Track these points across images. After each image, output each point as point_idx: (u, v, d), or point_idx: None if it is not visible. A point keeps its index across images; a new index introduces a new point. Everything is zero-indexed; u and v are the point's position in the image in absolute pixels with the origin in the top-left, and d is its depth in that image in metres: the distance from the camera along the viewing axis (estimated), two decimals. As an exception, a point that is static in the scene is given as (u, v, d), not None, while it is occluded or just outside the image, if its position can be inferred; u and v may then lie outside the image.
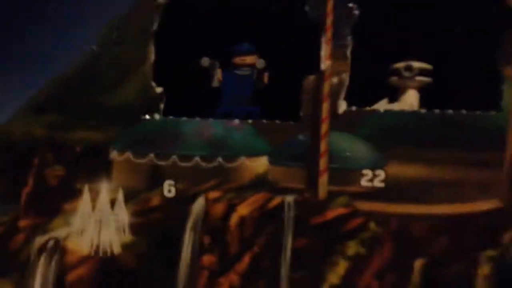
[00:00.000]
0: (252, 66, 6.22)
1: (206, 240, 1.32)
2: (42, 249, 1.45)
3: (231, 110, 5.95)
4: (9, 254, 1.63)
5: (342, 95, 4.84)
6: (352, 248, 1.66)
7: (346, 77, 5.06)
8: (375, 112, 4.79)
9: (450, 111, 4.59)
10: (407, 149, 2.24)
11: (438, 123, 2.92)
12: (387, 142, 2.58)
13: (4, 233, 1.69)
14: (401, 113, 4.68)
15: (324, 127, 2.69)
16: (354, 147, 3.03)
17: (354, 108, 4.78)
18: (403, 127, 2.81)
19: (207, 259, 1.38)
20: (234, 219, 1.34)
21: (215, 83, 6.16)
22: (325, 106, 3.96)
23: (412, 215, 1.21)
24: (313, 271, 1.44)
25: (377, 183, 1.98)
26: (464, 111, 4.48)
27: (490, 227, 1.35)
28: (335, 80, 4.63)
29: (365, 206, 2.05)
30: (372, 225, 1.62)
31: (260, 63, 6.13)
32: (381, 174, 2.20)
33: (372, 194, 2.16)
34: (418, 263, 1.38)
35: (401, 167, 1.98)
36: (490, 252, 1.22)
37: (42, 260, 1.35)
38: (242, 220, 1.35)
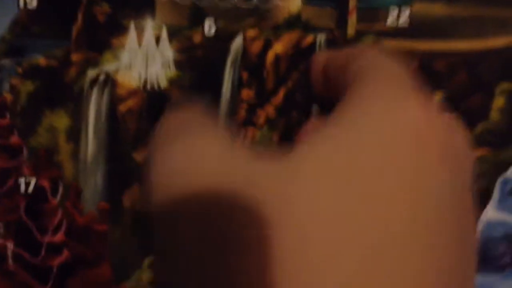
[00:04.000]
0: None
1: (245, 75, 1.36)
2: (94, 81, 1.50)
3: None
4: (64, 86, 1.68)
5: None
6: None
7: None
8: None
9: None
10: (432, -11, 2.23)
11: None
12: (414, -18, 2.58)
13: (58, 66, 1.73)
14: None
15: (354, -32, 2.67)
16: (382, -13, 3.01)
17: None
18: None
19: (246, 93, 1.42)
20: (270, 56, 1.36)
21: None
22: None
23: (434, 52, 1.22)
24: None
25: (403, 22, 1.99)
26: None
27: (505, 63, 1.36)
28: None
29: (391, 43, 2.09)
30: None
31: None
32: (407, 12, 2.19)
33: (397, 32, 2.17)
34: (438, 96, 1.41)
35: (425, 6, 1.98)
36: (505, 85, 1.24)
37: (94, 92, 1.40)
38: (278, 57, 1.38)
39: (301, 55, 1.06)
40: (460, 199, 0.23)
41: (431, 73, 1.05)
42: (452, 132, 0.23)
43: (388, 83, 0.25)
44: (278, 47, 1.06)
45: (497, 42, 1.03)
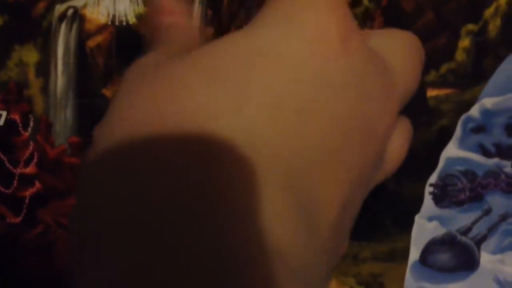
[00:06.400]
0: None
1: (209, 13, 1.36)
2: (62, 16, 1.46)
3: None
4: (32, 20, 1.63)
5: None
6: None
7: None
8: None
9: None
10: None
11: None
12: None
13: (26, 1, 1.69)
14: None
15: None
16: None
17: None
18: None
19: (208, 31, 1.43)
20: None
21: None
22: None
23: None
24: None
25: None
26: None
27: (472, 4, 1.35)
28: None
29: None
30: (364, 0, 1.65)
31: None
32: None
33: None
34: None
35: None
36: (471, 27, 1.23)
37: (63, 27, 1.36)
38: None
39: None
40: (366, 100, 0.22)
41: (399, 13, 1.06)
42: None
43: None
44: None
45: (466, -17, 1.03)
